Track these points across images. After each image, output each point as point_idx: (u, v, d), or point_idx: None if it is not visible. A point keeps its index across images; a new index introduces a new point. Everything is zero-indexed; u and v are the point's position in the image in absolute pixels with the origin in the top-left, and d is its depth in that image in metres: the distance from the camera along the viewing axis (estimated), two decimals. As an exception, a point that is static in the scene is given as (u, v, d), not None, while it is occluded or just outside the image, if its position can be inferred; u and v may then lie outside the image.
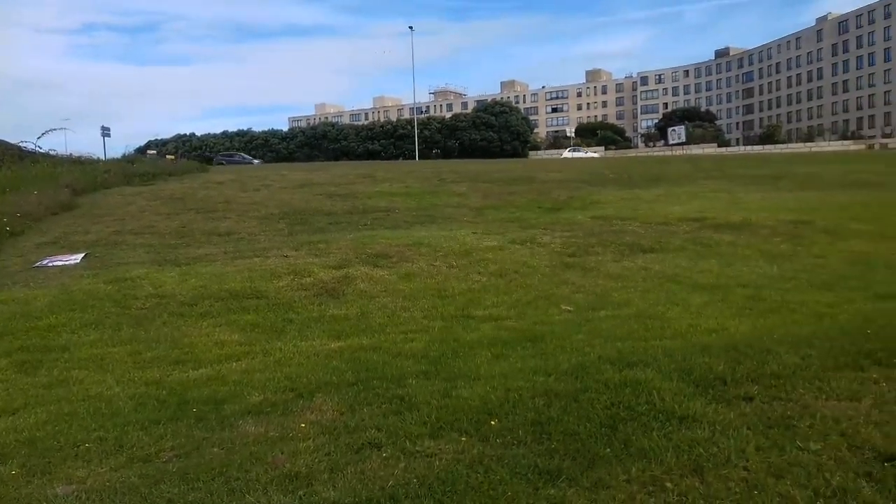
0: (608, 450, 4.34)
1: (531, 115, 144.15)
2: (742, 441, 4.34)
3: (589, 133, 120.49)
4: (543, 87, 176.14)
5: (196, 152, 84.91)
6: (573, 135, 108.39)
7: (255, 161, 71.49)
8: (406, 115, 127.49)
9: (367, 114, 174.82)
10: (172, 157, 45.87)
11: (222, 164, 62.34)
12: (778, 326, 7.75)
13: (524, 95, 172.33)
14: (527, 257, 12.86)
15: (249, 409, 5.73)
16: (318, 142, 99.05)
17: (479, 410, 5.19)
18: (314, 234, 16.13)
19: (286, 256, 13.03)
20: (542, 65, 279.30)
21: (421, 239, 14.42)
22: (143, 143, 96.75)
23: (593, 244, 13.90)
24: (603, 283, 10.98)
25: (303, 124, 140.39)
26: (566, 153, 79.15)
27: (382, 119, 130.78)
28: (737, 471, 3.98)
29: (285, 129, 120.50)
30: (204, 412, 5.74)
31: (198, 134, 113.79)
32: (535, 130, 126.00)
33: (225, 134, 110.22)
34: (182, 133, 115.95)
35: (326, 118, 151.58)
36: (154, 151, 57.75)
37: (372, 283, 11.09)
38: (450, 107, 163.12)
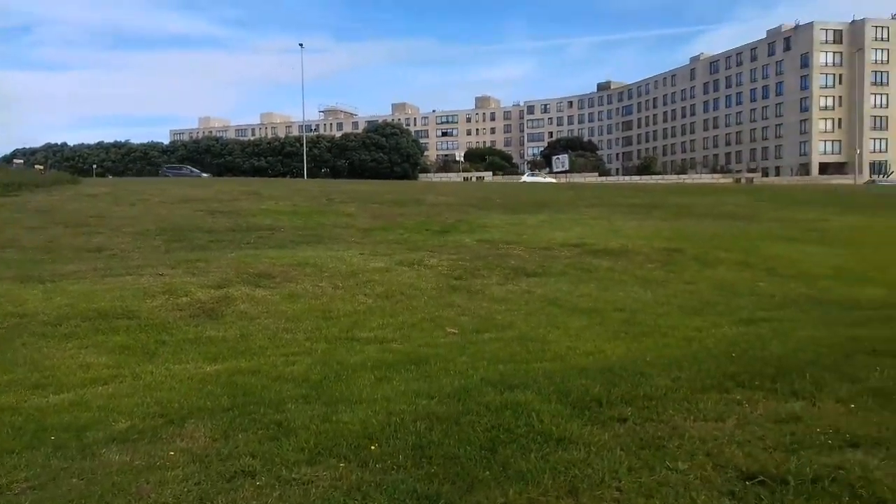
0: (487, 473, 4.34)
1: (422, 137, 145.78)
2: (615, 462, 4.45)
3: (478, 158, 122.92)
4: (434, 110, 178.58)
5: (68, 163, 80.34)
6: (462, 159, 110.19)
7: (204, 175, 70.25)
8: (295, 133, 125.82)
9: (254, 129, 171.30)
10: (41, 167, 43.20)
11: (168, 176, 60.71)
12: (651, 349, 8.07)
13: (415, 118, 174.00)
14: (414, 279, 12.86)
15: (114, 437, 5.37)
16: (201, 156, 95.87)
17: (359, 435, 5.08)
18: (193, 252, 15.51)
19: (161, 275, 12.44)
20: (434, 89, 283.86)
21: (306, 259, 14.16)
22: (9, 151, 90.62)
23: (479, 267, 14.08)
24: (488, 305, 11.12)
25: (185, 138, 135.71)
26: (525, 177, 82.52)
27: (270, 135, 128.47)
28: (610, 491, 4.07)
29: (166, 141, 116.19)
30: (64, 440, 5.34)
31: (70, 143, 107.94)
32: (426, 153, 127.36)
33: (100, 145, 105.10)
34: (53, 142, 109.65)
35: (211, 132, 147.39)
36: (21, 161, 54.27)
37: (253, 303, 10.75)
38: (340, 126, 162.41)
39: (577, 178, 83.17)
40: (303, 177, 79.15)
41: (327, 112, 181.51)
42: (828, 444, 4.69)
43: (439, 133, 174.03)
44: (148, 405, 6.21)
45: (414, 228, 20.88)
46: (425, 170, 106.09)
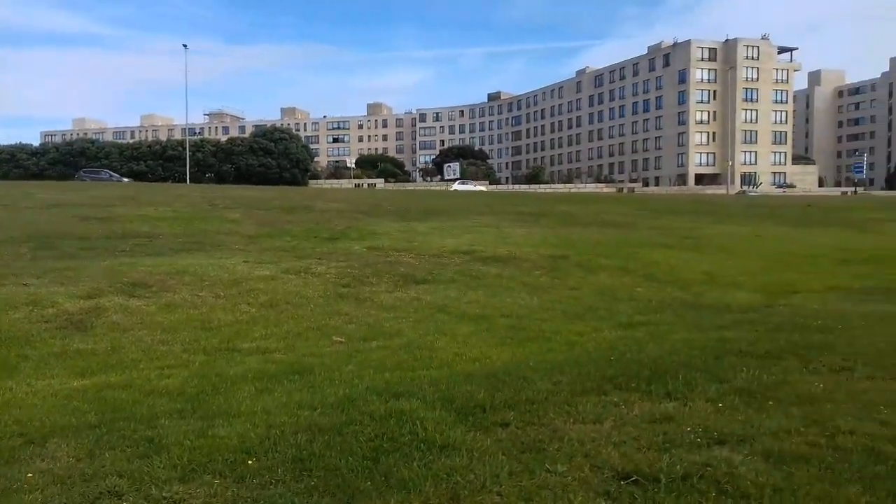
0: (369, 483, 4.27)
1: (312, 143, 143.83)
2: (497, 467, 4.47)
3: (370, 165, 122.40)
4: (325, 116, 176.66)
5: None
6: (354, 166, 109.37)
7: (125, 179, 67.52)
8: (178, 136, 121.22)
9: (133, 132, 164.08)
10: None
11: (84, 180, 58.10)
12: (535, 354, 8.23)
13: (305, 123, 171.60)
14: (300, 287, 12.59)
15: (-37, 462, 4.92)
16: (75, 159, 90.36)
17: (236, 450, 4.89)
18: (62, 261, 14.57)
19: (26, 285, 11.61)
20: (326, 95, 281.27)
21: (186, 267, 13.60)
22: None
23: (368, 275, 13.96)
24: (376, 313, 11.03)
25: (58, 139, 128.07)
26: (456, 186, 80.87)
27: (151, 138, 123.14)
28: (491, 496, 4.08)
29: (37, 143, 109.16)
30: None
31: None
32: (316, 159, 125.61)
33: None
34: None
35: (86, 134, 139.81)
36: None
37: (127, 314, 10.19)
38: (226, 130, 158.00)
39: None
40: (185, 181, 76.29)
41: (213, 115, 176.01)
42: (697, 442, 4.90)
43: (330, 139, 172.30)
44: (5, 424, 5.75)
45: (302, 235, 20.49)
46: (315, 176, 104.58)
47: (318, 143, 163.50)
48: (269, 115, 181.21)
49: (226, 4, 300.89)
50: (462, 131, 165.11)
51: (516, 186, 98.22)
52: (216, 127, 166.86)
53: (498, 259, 16.55)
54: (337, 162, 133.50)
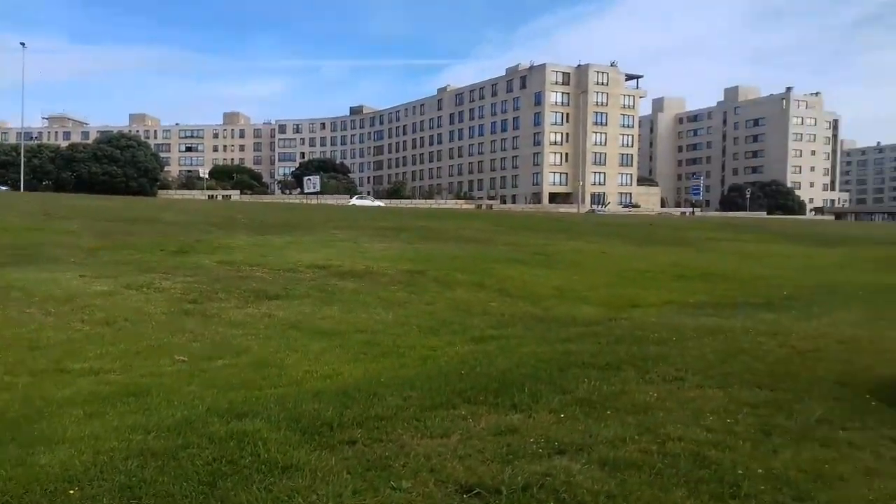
0: (204, 510, 4.05)
1: (163, 152, 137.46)
2: (341, 486, 4.38)
3: (225, 176, 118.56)
4: (177, 124, 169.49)
5: None
6: (207, 176, 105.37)
7: (3, 188, 61.89)
8: (12, 141, 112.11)
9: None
10: None
11: None
12: (388, 370, 8.18)
13: (155, 130, 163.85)
14: (142, 303, 11.89)
15: None
16: None
17: (58, 479, 4.52)
18: None
19: None
20: (179, 101, 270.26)
21: (13, 282, 12.51)
22: None
23: (217, 290, 13.41)
24: (224, 330, 10.59)
25: None
26: (354, 201, 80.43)
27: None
28: (333, 518, 3.98)
29: None
30: None
31: None
32: (167, 168, 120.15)
33: None
34: None
35: None
36: None
37: (-61, 333, 9.21)
38: (67, 135, 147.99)
39: (330, 200, 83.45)
40: (19, 189, 70.50)
41: (53, 119, 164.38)
42: (539, 452, 5.03)
43: (183, 148, 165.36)
44: None
45: (146, 248, 19.40)
46: (165, 186, 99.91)
47: (169, 151, 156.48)
48: (116, 120, 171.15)
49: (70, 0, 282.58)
50: (323, 144, 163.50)
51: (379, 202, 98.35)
52: (56, 132, 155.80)
53: (355, 274, 16.42)
54: (189, 172, 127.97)
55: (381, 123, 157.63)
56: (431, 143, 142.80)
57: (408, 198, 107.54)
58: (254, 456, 4.87)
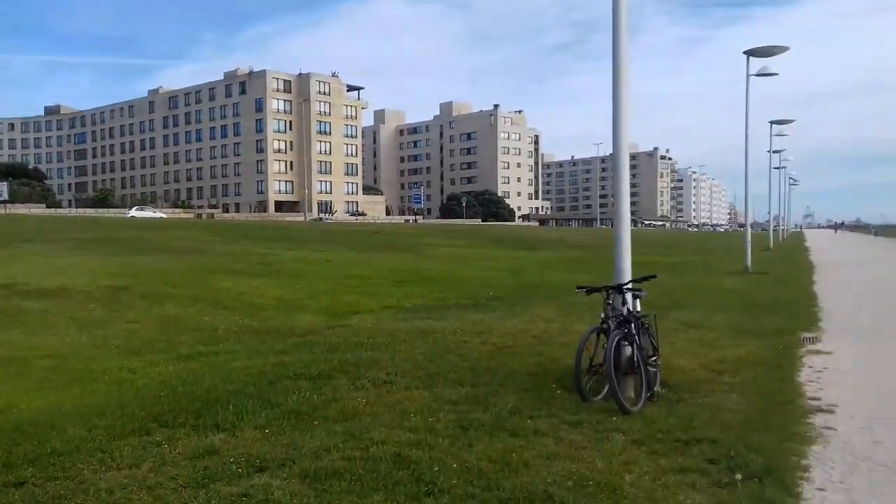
0: None
1: None
2: (-3, 541, 3.78)
3: None
4: None
5: None
6: None
7: None
8: None
9: None
10: None
11: None
12: (75, 398, 7.35)
13: None
14: None
15: None
16: None
17: None
18: None
19: None
20: None
21: None
22: None
23: None
24: None
25: None
26: (133, 212, 75.72)
27: None
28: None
29: None
30: None
31: None
32: None
33: None
34: None
35: None
36: None
37: None
38: None
39: (21, 210, 73.94)
40: None
41: None
42: (238, 472, 4.80)
43: None
44: None
45: None
46: None
47: None
48: None
49: None
50: (13, 147, 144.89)
51: (81, 210, 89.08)
52: None
53: (44, 292, 14.60)
54: None
55: (84, 125, 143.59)
56: (143, 148, 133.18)
57: (117, 206, 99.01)
58: None
